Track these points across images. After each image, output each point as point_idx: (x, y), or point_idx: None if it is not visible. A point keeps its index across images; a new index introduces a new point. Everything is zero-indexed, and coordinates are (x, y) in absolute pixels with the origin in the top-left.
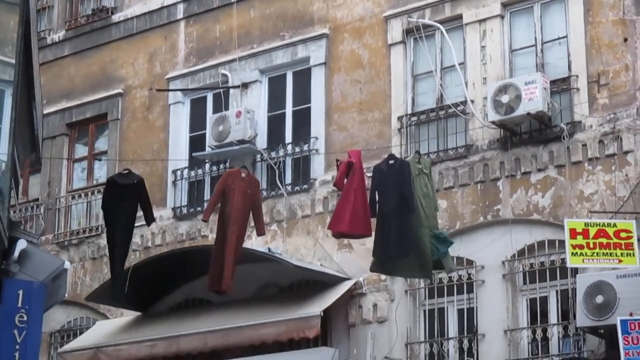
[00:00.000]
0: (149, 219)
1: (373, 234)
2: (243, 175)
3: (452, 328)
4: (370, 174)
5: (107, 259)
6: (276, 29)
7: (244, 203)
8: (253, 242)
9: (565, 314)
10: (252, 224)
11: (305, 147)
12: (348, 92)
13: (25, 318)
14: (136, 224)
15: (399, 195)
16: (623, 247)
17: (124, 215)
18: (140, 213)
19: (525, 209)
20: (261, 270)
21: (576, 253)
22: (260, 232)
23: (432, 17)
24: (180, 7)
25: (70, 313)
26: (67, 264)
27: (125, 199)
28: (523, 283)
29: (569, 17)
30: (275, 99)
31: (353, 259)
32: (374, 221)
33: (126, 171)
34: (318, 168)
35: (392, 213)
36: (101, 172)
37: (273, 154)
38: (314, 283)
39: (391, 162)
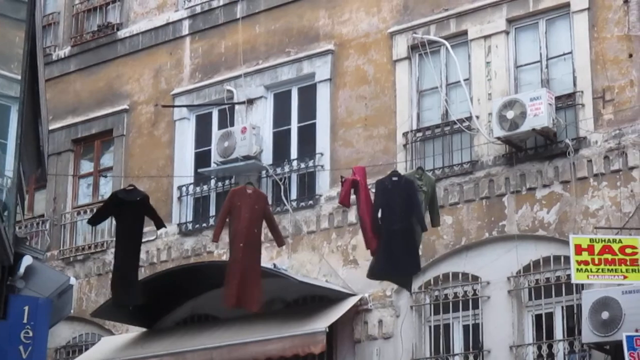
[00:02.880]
0: (159, 225)
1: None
2: (249, 191)
3: (458, 344)
4: (374, 190)
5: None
6: (281, 44)
7: (251, 219)
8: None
9: (571, 330)
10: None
11: (311, 163)
12: (353, 108)
13: (30, 334)
14: (142, 240)
15: (406, 213)
16: (628, 263)
17: (129, 233)
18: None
19: (530, 224)
20: (267, 286)
21: (581, 269)
22: (280, 243)
23: (437, 33)
24: (186, 23)
25: (76, 329)
26: (72, 280)
27: (128, 216)
28: (529, 299)
29: (574, 33)
30: (281, 114)
31: (358, 275)
32: None
33: (131, 187)
34: (323, 184)
35: (399, 231)
36: (106, 188)
37: (278, 170)
38: (319, 299)
39: (394, 178)
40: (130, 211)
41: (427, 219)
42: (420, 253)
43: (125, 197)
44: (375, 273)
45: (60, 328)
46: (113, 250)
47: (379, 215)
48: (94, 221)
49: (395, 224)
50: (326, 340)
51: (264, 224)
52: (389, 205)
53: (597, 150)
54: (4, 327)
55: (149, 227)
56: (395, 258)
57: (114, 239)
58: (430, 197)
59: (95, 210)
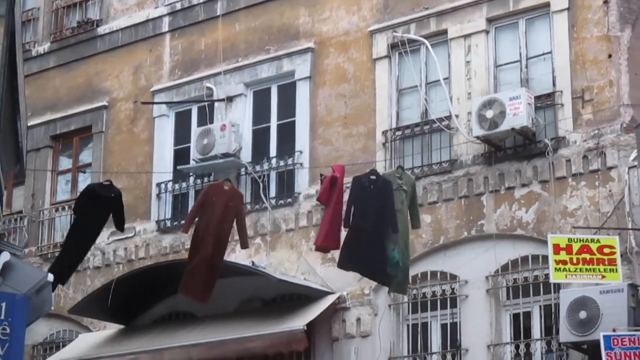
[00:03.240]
0: (120, 227)
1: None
2: (226, 188)
3: (436, 343)
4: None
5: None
6: (261, 42)
7: (224, 216)
8: (237, 255)
9: (549, 330)
10: (236, 237)
11: (290, 161)
12: (333, 106)
13: (8, 330)
14: (120, 237)
15: (379, 212)
16: (606, 262)
17: (93, 225)
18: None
19: (509, 224)
20: (245, 284)
21: (559, 268)
22: (244, 245)
23: (417, 32)
24: (166, 20)
25: (53, 326)
26: (50, 277)
27: (99, 209)
28: (506, 298)
29: (554, 33)
30: (260, 112)
31: (337, 273)
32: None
33: (108, 182)
34: (302, 182)
35: (369, 229)
36: (85, 185)
37: (257, 168)
38: (297, 297)
39: (372, 177)
40: (101, 206)
41: (407, 220)
42: (395, 254)
43: (101, 192)
44: (341, 264)
45: (37, 325)
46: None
47: (352, 211)
48: (75, 210)
49: (367, 222)
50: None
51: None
52: (363, 202)
53: (576, 150)
54: None
55: (127, 224)
56: (360, 255)
57: (70, 229)
58: (410, 196)
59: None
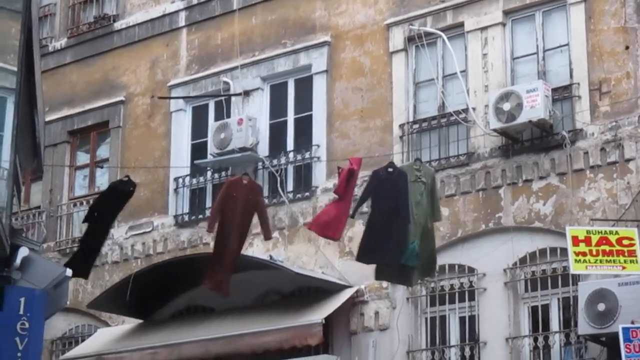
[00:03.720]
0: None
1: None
2: (245, 182)
3: (454, 336)
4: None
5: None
6: (278, 36)
7: (244, 210)
8: (255, 249)
9: (567, 322)
10: (258, 229)
11: (307, 155)
12: (350, 100)
13: (27, 325)
14: (138, 231)
15: (393, 204)
16: (626, 254)
17: (109, 219)
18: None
19: (526, 216)
20: (263, 278)
21: (579, 260)
22: (268, 236)
23: (433, 25)
24: (182, 15)
25: (72, 321)
26: (68, 272)
27: (116, 204)
28: (525, 291)
29: (571, 25)
30: (277, 106)
31: (355, 267)
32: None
33: (126, 178)
34: (320, 175)
35: (383, 221)
36: (103, 180)
37: (275, 162)
38: (315, 290)
39: (390, 170)
40: (119, 200)
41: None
42: (415, 247)
43: (122, 187)
44: (359, 257)
45: (56, 320)
46: (109, 242)
47: (369, 204)
48: (95, 207)
49: (384, 215)
50: (322, 332)
51: (255, 215)
52: (380, 195)
53: (594, 142)
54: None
55: (145, 219)
56: (376, 246)
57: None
58: (430, 188)
59: (90, 206)
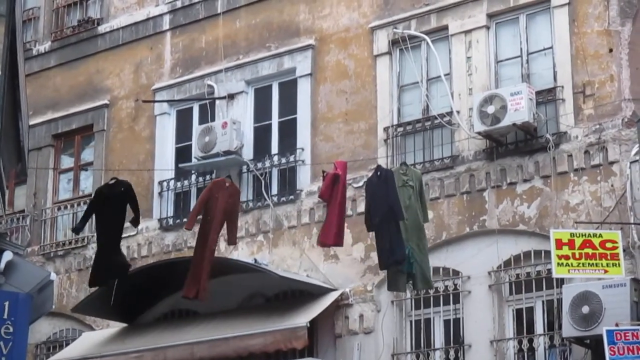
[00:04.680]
0: (136, 221)
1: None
2: (227, 184)
3: (439, 339)
4: (355, 185)
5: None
6: (262, 39)
7: (225, 212)
8: (239, 252)
9: (551, 325)
10: (241, 233)
11: (292, 158)
12: (334, 103)
13: (11, 330)
14: (122, 235)
15: (386, 204)
16: (609, 257)
17: (114, 222)
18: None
19: (511, 219)
20: (247, 281)
21: (562, 263)
22: (232, 242)
23: (417, 28)
24: (166, 18)
25: (56, 324)
26: (53, 275)
27: (111, 209)
28: (509, 293)
29: (555, 28)
30: (261, 109)
31: (339, 270)
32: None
33: (113, 181)
34: (304, 179)
35: (381, 223)
36: (87, 183)
37: (259, 165)
38: (300, 294)
39: (378, 173)
40: (113, 204)
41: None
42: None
43: (109, 192)
44: (384, 265)
45: (40, 324)
46: (94, 245)
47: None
48: (80, 227)
49: (377, 217)
50: (307, 335)
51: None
52: (375, 200)
53: (578, 145)
54: None
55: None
56: (390, 244)
57: (95, 234)
58: (418, 191)
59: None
